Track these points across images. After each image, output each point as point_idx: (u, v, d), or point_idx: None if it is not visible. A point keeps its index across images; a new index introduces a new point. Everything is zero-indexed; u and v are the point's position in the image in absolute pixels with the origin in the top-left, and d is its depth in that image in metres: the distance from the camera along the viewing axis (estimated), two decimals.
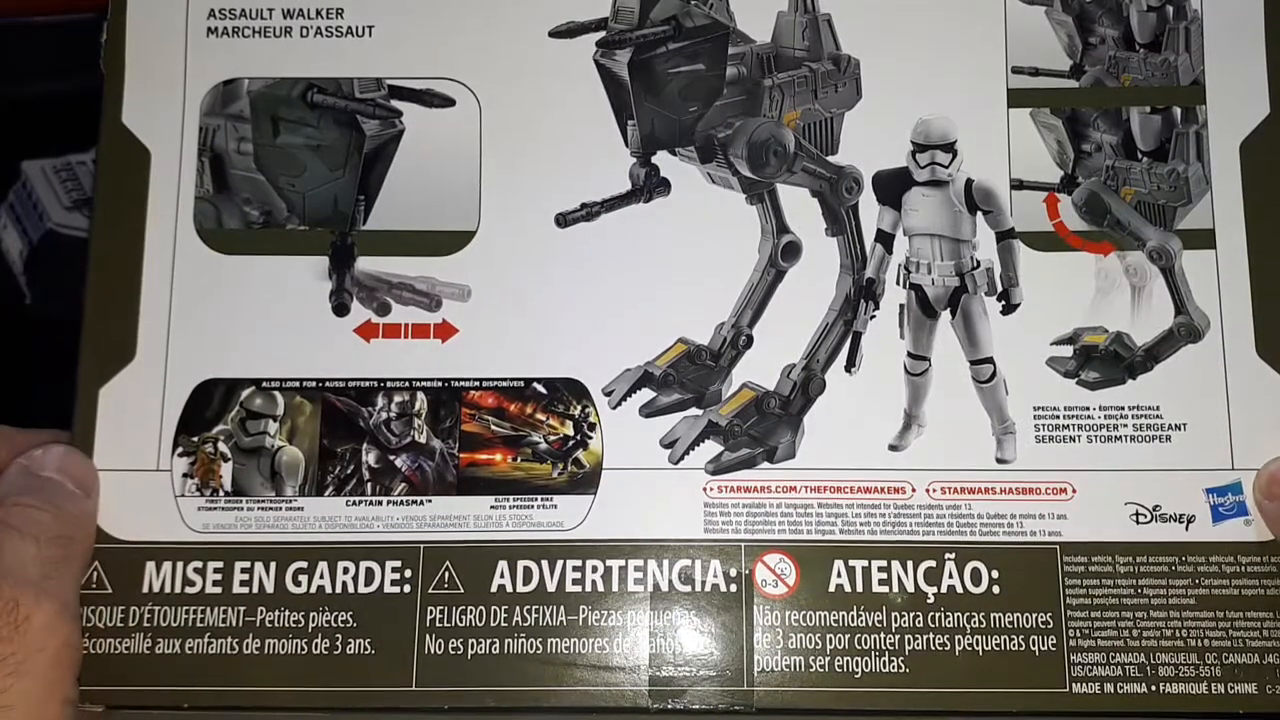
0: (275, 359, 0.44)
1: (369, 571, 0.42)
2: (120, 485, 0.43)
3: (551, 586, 0.42)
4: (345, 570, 0.42)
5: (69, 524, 0.41)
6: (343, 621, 0.42)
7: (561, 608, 0.42)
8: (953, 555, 0.42)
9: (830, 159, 0.45)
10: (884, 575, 0.42)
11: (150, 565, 0.42)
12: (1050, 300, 0.44)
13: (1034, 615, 0.42)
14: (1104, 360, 0.44)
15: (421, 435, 0.44)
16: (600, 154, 0.45)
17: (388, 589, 0.42)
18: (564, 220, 0.45)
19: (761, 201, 0.45)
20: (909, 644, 0.42)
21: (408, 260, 0.45)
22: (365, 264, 0.45)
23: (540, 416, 0.44)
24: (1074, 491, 0.43)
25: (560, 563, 0.42)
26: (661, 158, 0.45)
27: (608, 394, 0.44)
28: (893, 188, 0.45)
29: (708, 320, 0.44)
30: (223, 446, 0.43)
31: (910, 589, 0.42)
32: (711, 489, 0.43)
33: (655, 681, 0.41)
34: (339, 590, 0.42)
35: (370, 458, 0.44)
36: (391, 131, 0.45)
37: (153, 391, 0.44)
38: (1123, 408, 0.43)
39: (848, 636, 0.42)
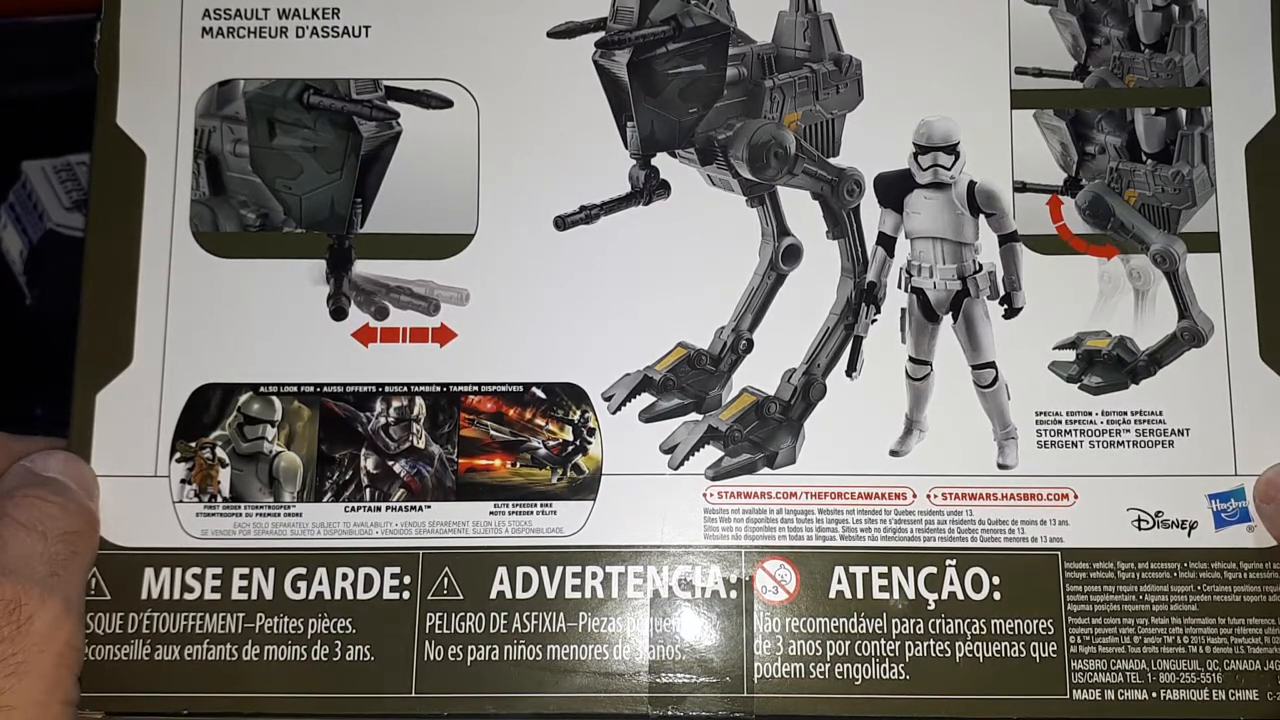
0: (273, 363, 0.44)
1: (368, 578, 0.42)
2: (118, 491, 0.43)
3: (551, 593, 0.42)
4: (344, 576, 0.42)
5: (77, 519, 0.40)
6: (342, 628, 0.42)
7: (561, 614, 0.42)
8: (954, 561, 0.42)
9: (831, 161, 0.45)
10: (884, 581, 0.42)
11: (149, 571, 0.42)
12: (1053, 304, 0.44)
13: (1035, 622, 0.42)
14: (1107, 365, 0.43)
15: (420, 440, 0.44)
16: (599, 156, 0.45)
17: (387, 595, 0.42)
18: (563, 223, 0.44)
19: (762, 204, 0.45)
20: (909, 651, 0.41)
21: (406, 263, 0.44)
22: (363, 267, 0.45)
23: (539, 421, 0.44)
24: (1076, 497, 0.43)
25: (560, 569, 0.42)
26: (661, 160, 0.45)
27: (607, 399, 0.44)
28: (894, 190, 0.45)
29: (708, 324, 0.44)
30: (221, 452, 0.43)
31: (911, 595, 0.42)
32: (712, 494, 0.43)
33: (655, 688, 0.41)
34: (338, 596, 0.42)
35: (369, 463, 0.43)
36: (389, 133, 0.45)
37: (150, 396, 0.43)
38: (1125, 413, 0.43)
39: (848, 643, 0.42)
